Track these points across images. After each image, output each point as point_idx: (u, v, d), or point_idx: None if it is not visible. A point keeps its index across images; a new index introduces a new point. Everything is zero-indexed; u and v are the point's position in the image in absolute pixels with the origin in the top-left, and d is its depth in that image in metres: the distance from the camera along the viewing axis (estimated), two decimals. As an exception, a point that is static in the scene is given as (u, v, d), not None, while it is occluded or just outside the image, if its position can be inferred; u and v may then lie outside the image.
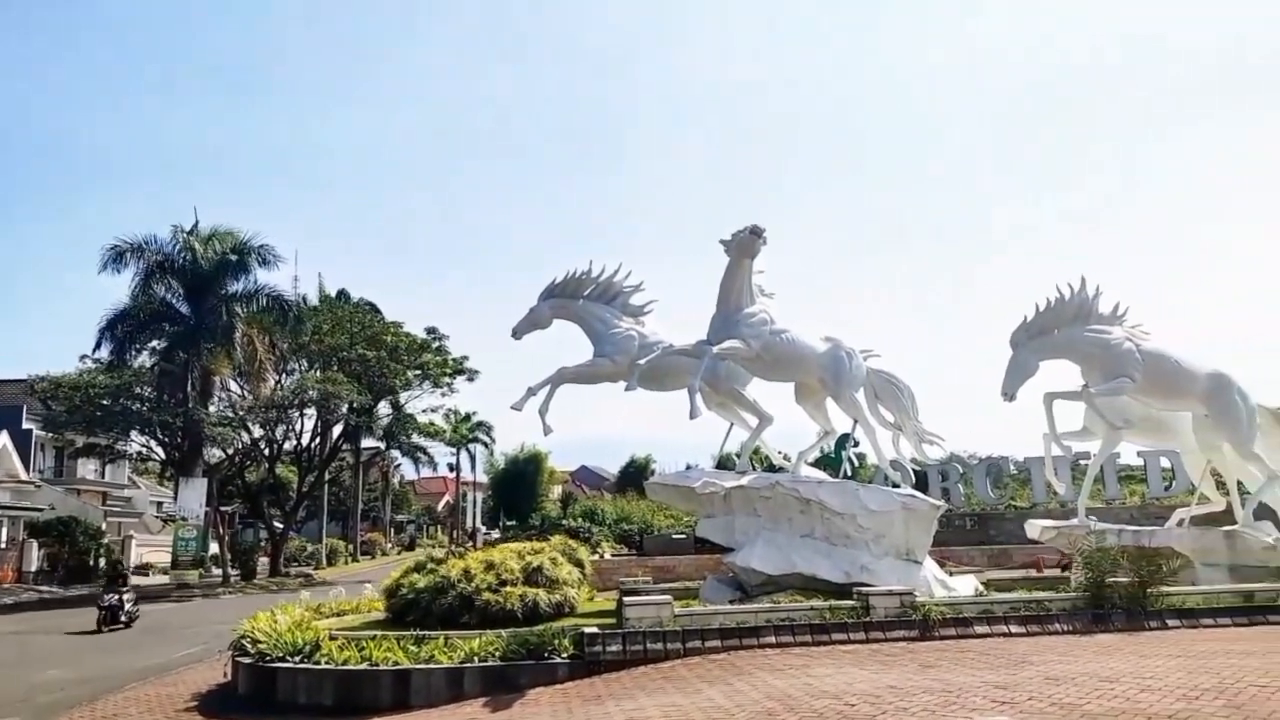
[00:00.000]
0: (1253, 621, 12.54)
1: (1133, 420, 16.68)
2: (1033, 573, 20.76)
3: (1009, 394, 15.51)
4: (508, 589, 13.79)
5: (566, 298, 16.79)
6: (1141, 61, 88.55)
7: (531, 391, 16.14)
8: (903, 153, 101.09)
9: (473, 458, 65.02)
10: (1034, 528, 17.26)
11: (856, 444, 21.14)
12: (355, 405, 43.70)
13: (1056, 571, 19.55)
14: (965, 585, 15.44)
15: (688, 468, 23.08)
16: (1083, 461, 20.96)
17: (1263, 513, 16.53)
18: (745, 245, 14.72)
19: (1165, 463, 25.32)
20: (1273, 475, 16.17)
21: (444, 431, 56.07)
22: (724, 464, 29.62)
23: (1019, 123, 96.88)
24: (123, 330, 38.54)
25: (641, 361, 15.14)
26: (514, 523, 41.84)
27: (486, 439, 62.85)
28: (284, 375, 45.64)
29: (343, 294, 51.05)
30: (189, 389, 39.79)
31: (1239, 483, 17.02)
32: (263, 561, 45.04)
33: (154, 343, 40.68)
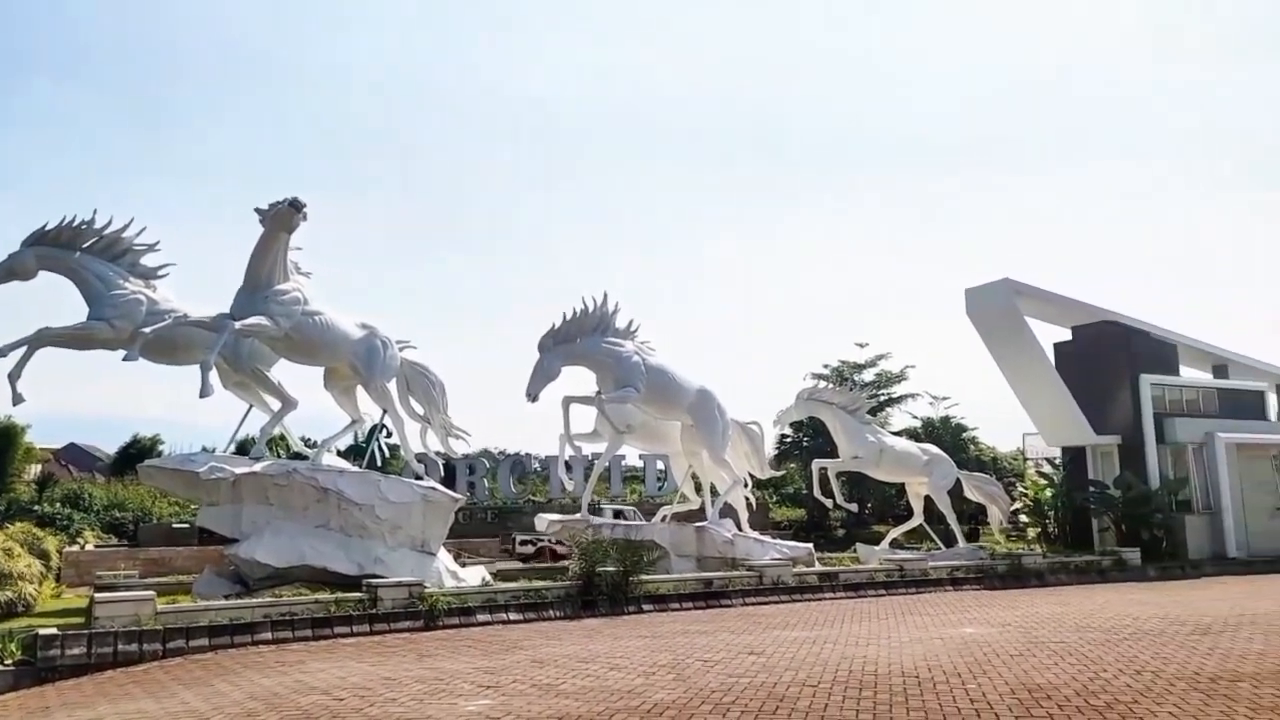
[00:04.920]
0: (709, 605, 14.63)
1: (635, 426, 18.65)
2: (536, 562, 22.25)
3: (532, 395, 16.47)
4: (-62, 586, 11.44)
5: (59, 248, 14.44)
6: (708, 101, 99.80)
7: (0, 353, 13.63)
8: (449, 158, 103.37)
9: (-86, 427, 52.93)
10: (542, 521, 18.51)
11: (389, 434, 21.02)
12: None
13: (563, 561, 21.13)
14: (475, 575, 16.03)
15: (203, 450, 21.16)
16: (598, 461, 22.90)
17: (727, 511, 19.42)
18: (283, 218, 13.86)
19: (660, 465, 28.66)
20: (737, 480, 19.10)
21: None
22: (245, 449, 27.61)
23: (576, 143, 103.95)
24: None
25: (147, 330, 13.51)
26: (-32, 507, 34.89)
27: (-59, 405, 51.60)
28: None
29: None
30: None
31: (712, 485, 19.80)
32: None
33: None
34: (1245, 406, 26.40)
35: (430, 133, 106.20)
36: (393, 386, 16.15)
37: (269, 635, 11.11)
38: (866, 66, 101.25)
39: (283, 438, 18.76)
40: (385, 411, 16.23)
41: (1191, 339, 26.84)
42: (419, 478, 16.17)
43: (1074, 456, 25.81)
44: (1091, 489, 24.24)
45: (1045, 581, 18.62)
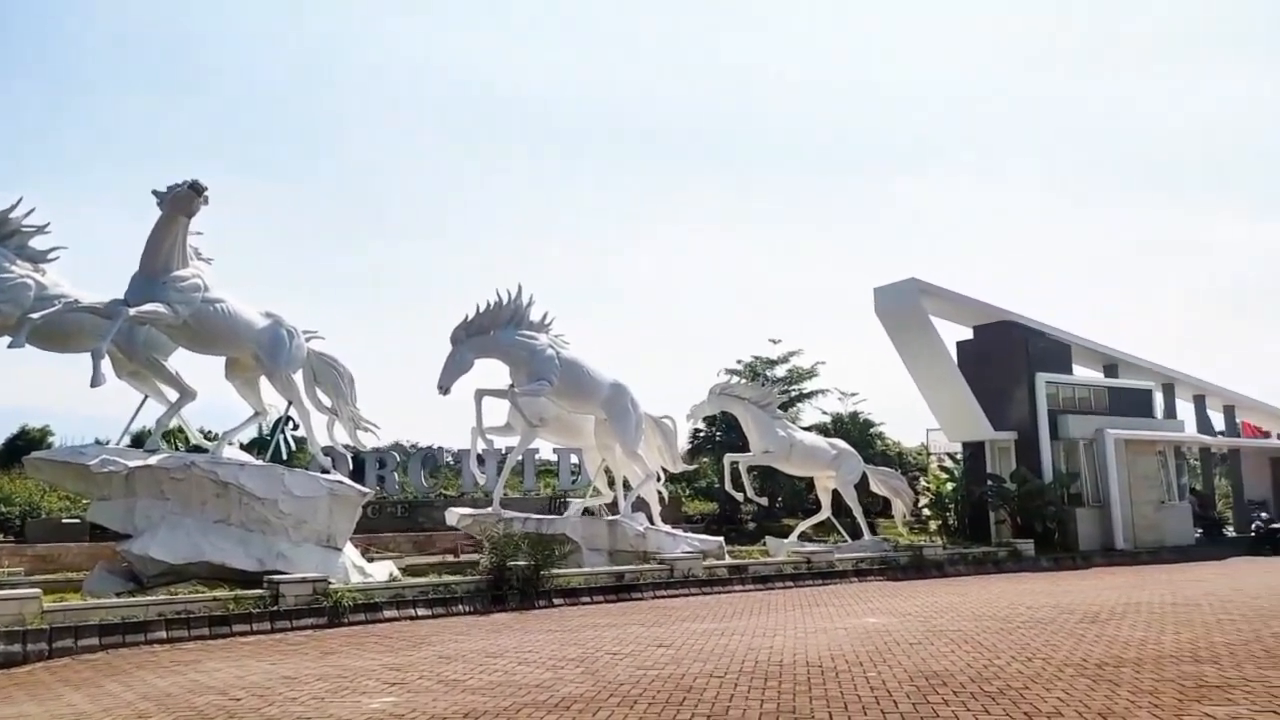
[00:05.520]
0: (620, 598, 14.69)
1: (548, 420, 18.56)
2: (449, 557, 21.98)
3: (444, 387, 16.29)
4: None
5: (-62, 231, 13.64)
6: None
7: (-127, 338, 12.82)
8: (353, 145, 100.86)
9: None
10: (453, 515, 18.30)
11: (296, 426, 20.57)
12: None
13: (471, 555, 20.91)
14: (382, 571, 15.74)
15: (95, 442, 20.33)
16: (510, 454, 22.68)
17: (640, 505, 19.49)
18: (182, 201, 13.37)
19: (574, 459, 28.64)
20: (649, 474, 19.20)
21: None
22: (141, 441, 26.57)
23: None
24: None
25: (35, 315, 12.87)
26: None
27: None
28: None
29: None
30: None
31: (625, 479, 19.85)
32: None
33: None
34: (1133, 404, 27.72)
35: (351, 117, 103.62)
36: (299, 378, 15.74)
37: (163, 634, 10.73)
38: (778, 69, 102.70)
39: (181, 430, 18.09)
40: (291, 403, 15.80)
41: (1084, 339, 28.05)
42: (326, 471, 15.80)
43: (974, 451, 26.70)
44: (990, 483, 25.13)
45: (945, 572, 19.24)
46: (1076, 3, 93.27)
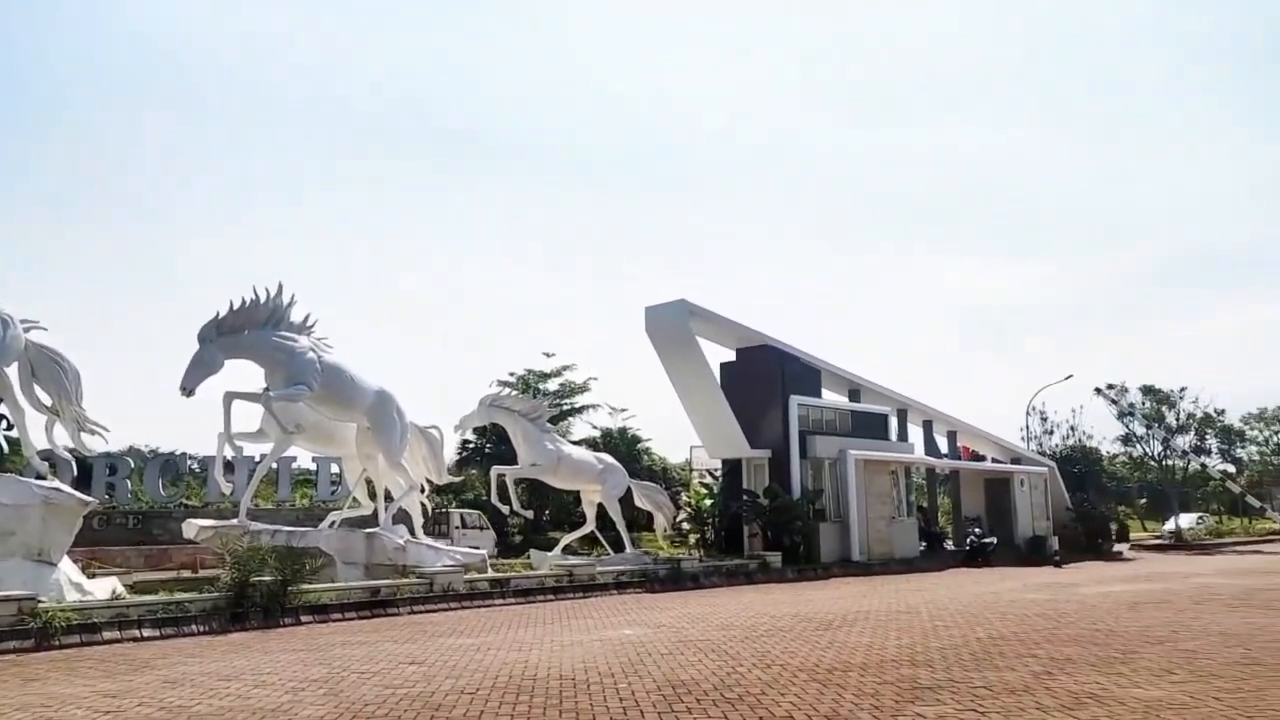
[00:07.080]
0: (375, 614, 14.14)
1: (305, 426, 17.62)
2: (187, 573, 20.35)
3: (188, 388, 15.10)
4: None
5: None
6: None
7: None
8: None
9: None
10: (191, 527, 16.92)
11: (10, 427, 18.37)
12: None
13: (214, 571, 19.44)
14: (104, 588, 14.30)
15: None
16: (262, 462, 21.32)
17: (401, 517, 18.90)
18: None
19: (335, 469, 27.36)
20: (413, 484, 18.67)
21: None
22: None
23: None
24: None
25: None
26: None
27: None
28: None
29: None
30: None
31: (387, 490, 19.19)
32: None
33: None
34: (872, 427, 30.09)
35: (94, 97, 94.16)
36: (13, 372, 14.02)
37: None
38: (563, 77, 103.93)
39: None
40: (1, 400, 14.05)
41: (833, 365, 30.16)
42: (41, 477, 14.17)
43: (732, 468, 27.99)
44: (745, 498, 26.42)
45: (701, 584, 19.99)
46: (846, 55, 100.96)
